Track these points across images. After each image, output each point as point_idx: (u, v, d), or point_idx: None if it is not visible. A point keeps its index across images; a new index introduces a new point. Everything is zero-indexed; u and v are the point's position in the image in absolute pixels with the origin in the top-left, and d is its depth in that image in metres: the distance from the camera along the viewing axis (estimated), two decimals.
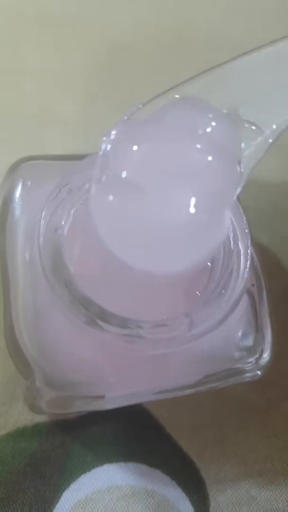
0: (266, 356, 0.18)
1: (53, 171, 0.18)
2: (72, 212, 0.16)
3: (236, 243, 0.17)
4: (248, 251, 0.16)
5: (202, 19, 0.28)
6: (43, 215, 0.16)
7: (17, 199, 0.18)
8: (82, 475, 0.19)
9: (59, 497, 0.19)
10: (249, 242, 0.16)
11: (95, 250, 0.16)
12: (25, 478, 0.19)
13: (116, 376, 0.17)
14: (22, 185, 0.18)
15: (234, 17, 0.28)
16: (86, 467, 0.20)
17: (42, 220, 0.16)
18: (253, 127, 0.15)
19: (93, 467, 0.20)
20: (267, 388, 0.21)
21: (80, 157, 0.18)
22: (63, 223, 0.16)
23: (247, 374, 0.18)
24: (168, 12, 0.28)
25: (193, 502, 0.19)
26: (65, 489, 0.19)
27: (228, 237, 0.17)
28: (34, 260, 0.17)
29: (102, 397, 0.18)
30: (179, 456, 0.20)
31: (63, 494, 0.19)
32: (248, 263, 0.16)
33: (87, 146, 0.24)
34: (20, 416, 0.20)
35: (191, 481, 0.20)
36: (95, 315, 0.16)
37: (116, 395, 0.18)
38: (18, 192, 0.18)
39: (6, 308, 0.17)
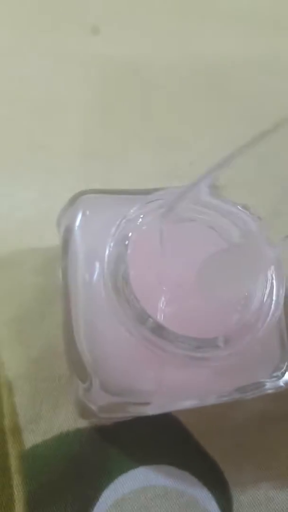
0: None
1: (108, 203, 0.21)
2: (133, 238, 0.19)
3: (271, 273, 0.19)
4: (283, 279, 0.19)
5: (209, 52, 0.31)
6: (111, 242, 0.19)
7: (77, 227, 0.20)
8: (119, 476, 0.22)
9: (99, 497, 0.21)
10: (283, 271, 0.19)
11: (157, 271, 0.19)
12: (68, 478, 0.21)
13: (163, 385, 0.20)
14: (82, 215, 0.21)
15: (235, 45, 0.32)
16: (123, 469, 0.22)
17: (108, 246, 0.19)
18: None
19: (130, 469, 0.22)
20: (283, 400, 0.23)
21: (130, 192, 0.21)
22: (128, 251, 0.18)
23: (272, 386, 0.21)
24: (177, 46, 0.31)
25: (218, 501, 0.22)
26: (104, 489, 0.21)
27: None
28: (93, 280, 0.20)
29: (148, 403, 0.20)
30: (205, 460, 0.22)
31: (103, 493, 0.21)
32: (283, 290, 0.19)
33: (124, 176, 0.27)
34: (63, 422, 0.22)
35: (216, 483, 0.22)
36: (149, 329, 0.18)
37: (160, 402, 0.20)
38: (78, 221, 0.21)
39: (67, 320, 0.20)
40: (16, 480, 0.21)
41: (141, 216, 0.19)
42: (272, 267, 0.19)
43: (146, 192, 0.21)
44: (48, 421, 0.22)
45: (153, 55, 0.30)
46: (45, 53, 0.29)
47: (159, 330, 0.18)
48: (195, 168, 0.28)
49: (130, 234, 0.19)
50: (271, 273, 0.19)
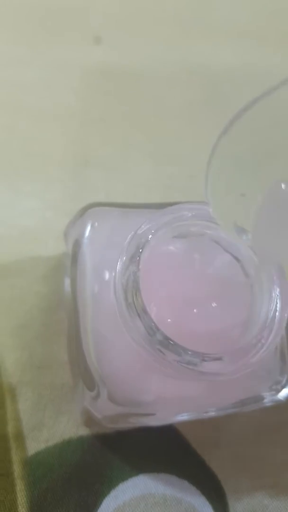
0: None
1: (116, 216, 0.22)
2: (145, 253, 0.19)
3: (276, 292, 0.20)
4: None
5: (208, 64, 0.31)
6: (123, 256, 0.19)
7: (86, 239, 0.21)
8: (120, 484, 0.22)
9: (100, 503, 0.22)
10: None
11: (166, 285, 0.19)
12: (71, 485, 0.22)
13: (167, 398, 0.20)
14: (91, 227, 0.21)
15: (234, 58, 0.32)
16: (124, 477, 0.22)
17: (120, 259, 0.19)
18: None
19: (130, 476, 0.22)
20: (277, 412, 0.24)
21: (139, 205, 0.22)
22: (140, 266, 0.19)
23: (270, 400, 0.21)
24: (177, 57, 0.31)
25: (215, 509, 0.22)
26: (105, 496, 0.22)
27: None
28: (102, 291, 0.20)
29: (152, 415, 0.20)
30: (203, 469, 0.23)
31: (104, 500, 0.22)
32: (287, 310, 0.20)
33: (124, 187, 0.27)
34: (65, 429, 0.22)
35: (214, 491, 0.23)
36: (158, 341, 0.19)
37: (164, 414, 0.21)
38: (87, 232, 0.21)
39: (76, 330, 0.20)
40: (19, 486, 0.21)
41: (152, 231, 0.20)
42: (277, 288, 0.20)
43: (155, 206, 0.21)
44: (50, 428, 0.22)
45: (153, 66, 0.30)
46: (46, 62, 0.29)
47: (167, 343, 0.19)
48: (195, 181, 0.28)
49: (141, 250, 0.19)
50: (276, 292, 0.20)
